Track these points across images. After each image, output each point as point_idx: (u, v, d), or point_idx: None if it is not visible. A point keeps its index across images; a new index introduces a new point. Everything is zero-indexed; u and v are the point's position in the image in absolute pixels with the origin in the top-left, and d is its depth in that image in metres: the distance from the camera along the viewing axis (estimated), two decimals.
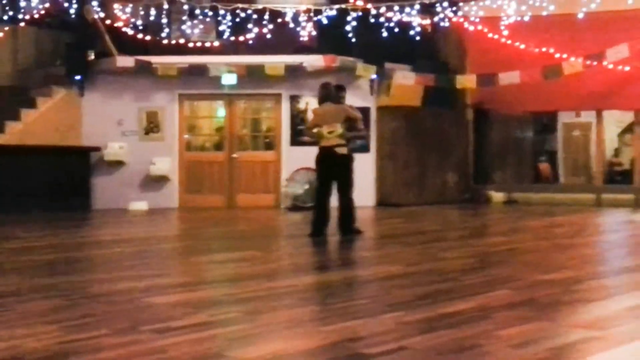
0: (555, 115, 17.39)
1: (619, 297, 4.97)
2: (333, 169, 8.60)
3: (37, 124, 13.51)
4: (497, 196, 15.27)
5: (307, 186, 13.92)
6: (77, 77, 14.11)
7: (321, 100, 8.92)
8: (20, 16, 13.42)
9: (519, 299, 4.80)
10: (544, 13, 13.58)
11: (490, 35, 14.35)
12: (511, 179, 16.16)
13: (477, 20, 14.62)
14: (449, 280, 5.60)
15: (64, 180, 13.13)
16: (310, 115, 14.45)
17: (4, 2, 13.06)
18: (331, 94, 8.87)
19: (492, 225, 11.22)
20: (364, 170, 14.52)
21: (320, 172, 8.76)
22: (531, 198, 15.08)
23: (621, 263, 6.79)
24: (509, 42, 14.08)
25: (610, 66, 13.20)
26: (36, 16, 13.58)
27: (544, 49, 13.74)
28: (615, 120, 16.90)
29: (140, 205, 13.82)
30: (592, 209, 13.50)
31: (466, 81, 14.54)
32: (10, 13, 13.29)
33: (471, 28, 14.66)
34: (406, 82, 14.39)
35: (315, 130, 8.83)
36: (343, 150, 8.57)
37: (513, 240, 8.61)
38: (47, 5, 13.45)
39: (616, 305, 4.65)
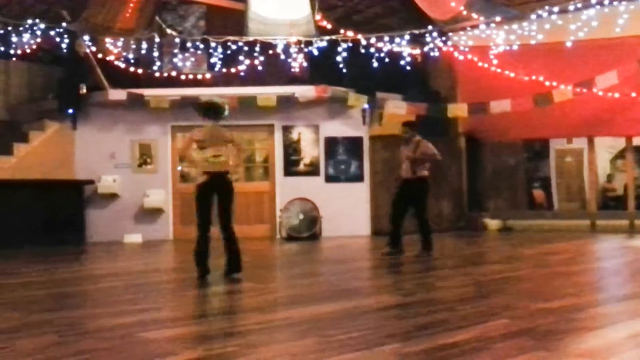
0: (547, 142, 17.45)
1: (619, 325, 4.94)
2: (223, 197, 7.73)
3: (30, 158, 13.51)
4: (492, 224, 15.28)
5: (302, 216, 13.93)
6: (70, 111, 14.14)
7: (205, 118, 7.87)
8: (12, 51, 13.45)
9: (518, 328, 4.76)
10: (533, 42, 13.70)
11: (480, 64, 14.46)
12: (505, 206, 16.17)
13: (467, 49, 14.74)
14: (447, 310, 5.56)
15: (57, 214, 13.09)
16: (303, 146, 14.56)
17: None
18: (215, 113, 7.82)
19: (488, 253, 11.19)
20: (358, 199, 14.56)
21: (206, 201, 7.69)
22: (526, 225, 15.10)
23: (619, 290, 6.77)
24: (499, 70, 14.19)
25: (600, 93, 13.30)
26: (28, 51, 13.62)
27: (533, 77, 13.86)
28: (607, 146, 16.99)
29: (134, 237, 13.78)
30: (587, 235, 13.50)
31: (457, 110, 14.63)
32: (2, 48, 13.33)
33: (461, 57, 14.77)
34: (398, 111, 14.45)
35: (191, 154, 7.87)
36: (231, 179, 7.91)
37: (509, 269, 8.57)
38: (39, 40, 13.49)
39: (616, 334, 4.62)
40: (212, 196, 7.64)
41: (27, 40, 13.40)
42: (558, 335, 4.57)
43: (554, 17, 13.38)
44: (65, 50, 13.86)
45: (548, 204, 17.43)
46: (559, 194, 17.77)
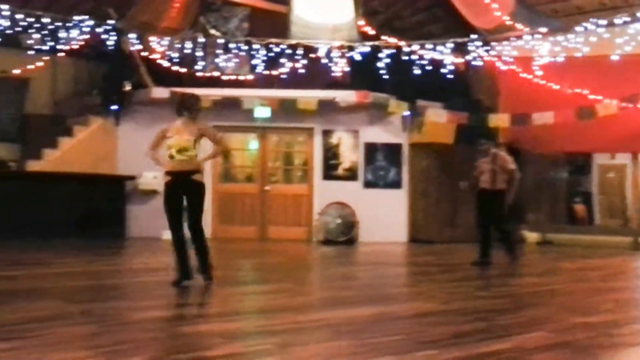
0: (590, 156, 17.20)
1: None
2: (189, 198, 7.14)
3: (74, 152, 13.73)
4: (531, 236, 15.12)
5: (339, 220, 13.93)
6: (113, 107, 14.33)
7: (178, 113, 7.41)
8: (59, 47, 13.68)
9: (556, 341, 4.70)
10: (578, 55, 13.51)
11: (523, 75, 14.31)
12: (545, 220, 15.98)
13: (511, 59, 14.59)
14: (484, 320, 5.51)
15: (99, 207, 13.28)
16: (342, 150, 14.57)
17: (44, 32, 13.34)
18: (188, 107, 7.37)
19: (527, 266, 11.06)
20: (396, 206, 14.53)
21: (172, 202, 7.17)
22: (566, 239, 14.89)
23: None
24: (542, 82, 14.04)
25: None
26: (75, 47, 13.84)
27: (577, 90, 13.68)
28: None
29: None
30: (628, 252, 13.28)
31: (499, 120, 14.51)
32: (50, 44, 13.56)
33: (504, 67, 14.64)
34: (438, 119, 14.40)
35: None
36: (199, 178, 7.29)
37: (548, 282, 8.47)
38: (85, 36, 13.70)
39: None
40: (180, 196, 7.12)
41: (74, 36, 13.61)
42: (597, 350, 4.51)
43: (600, 30, 13.18)
44: (111, 48, 14.04)
45: (589, 219, 17.18)
46: (600, 210, 17.50)
